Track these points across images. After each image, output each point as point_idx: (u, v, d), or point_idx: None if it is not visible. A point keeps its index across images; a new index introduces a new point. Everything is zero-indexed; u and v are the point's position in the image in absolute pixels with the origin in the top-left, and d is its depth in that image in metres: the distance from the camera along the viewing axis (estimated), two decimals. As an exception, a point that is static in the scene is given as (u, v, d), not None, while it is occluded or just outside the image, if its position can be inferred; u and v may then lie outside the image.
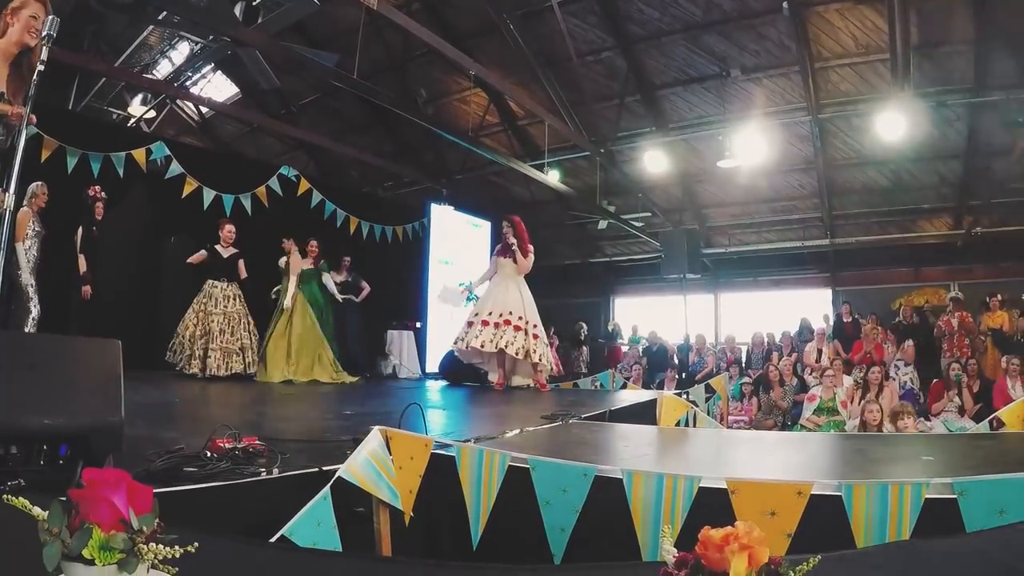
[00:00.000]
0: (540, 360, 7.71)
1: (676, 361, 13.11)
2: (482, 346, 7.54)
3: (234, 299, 8.35)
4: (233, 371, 8.11)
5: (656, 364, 13.27)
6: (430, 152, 14.22)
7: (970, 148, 11.11)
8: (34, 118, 3.10)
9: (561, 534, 2.49)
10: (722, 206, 14.37)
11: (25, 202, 6.84)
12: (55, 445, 2.17)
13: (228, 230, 8.46)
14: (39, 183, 7.06)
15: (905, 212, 12.85)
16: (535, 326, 7.77)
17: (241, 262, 8.41)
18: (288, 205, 10.55)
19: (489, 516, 2.69)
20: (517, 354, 7.57)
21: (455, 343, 7.98)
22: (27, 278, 6.81)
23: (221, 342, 8.11)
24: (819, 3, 9.68)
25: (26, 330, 6.65)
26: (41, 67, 3.01)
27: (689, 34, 10.78)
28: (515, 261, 7.87)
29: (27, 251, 6.85)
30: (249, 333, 8.41)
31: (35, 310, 6.90)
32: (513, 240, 7.93)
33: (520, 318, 7.66)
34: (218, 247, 8.35)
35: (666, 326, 14.48)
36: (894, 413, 6.79)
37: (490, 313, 7.68)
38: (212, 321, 8.09)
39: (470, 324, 7.79)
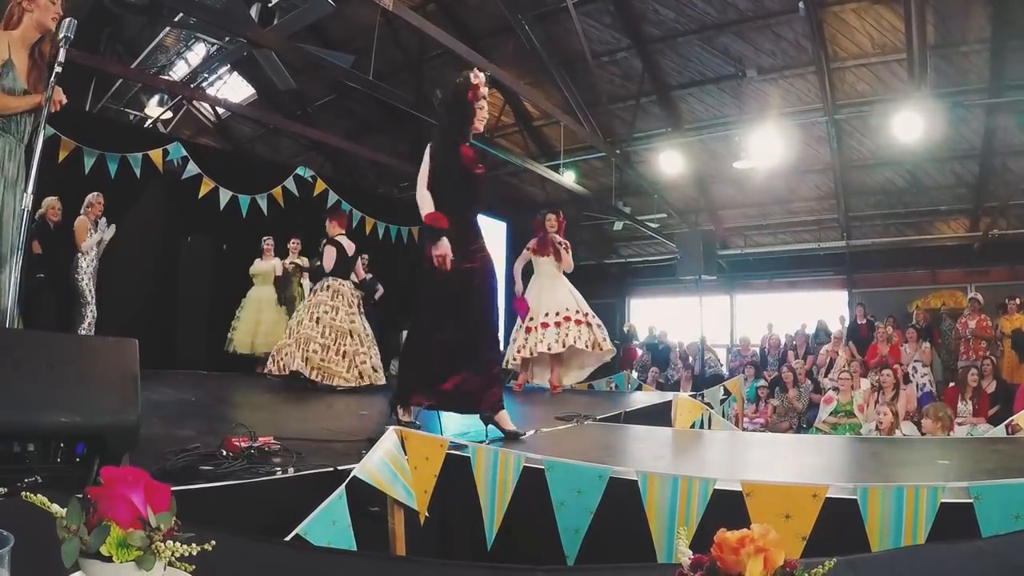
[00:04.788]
0: (606, 345, 7.60)
1: (680, 360, 13.11)
2: (549, 348, 7.36)
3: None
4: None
5: (660, 363, 13.40)
6: (445, 153, 14.20)
7: (987, 148, 11.03)
8: (63, 97, 3.13)
9: (575, 535, 2.49)
10: (738, 207, 14.33)
11: (83, 211, 7.28)
12: (72, 443, 2.19)
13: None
14: (95, 193, 7.39)
15: (922, 213, 12.78)
16: (593, 316, 7.65)
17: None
18: (304, 206, 10.58)
19: (503, 517, 2.69)
20: (588, 347, 7.43)
21: (518, 351, 7.53)
22: (87, 283, 7.18)
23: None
24: (835, 3, 9.61)
25: (81, 332, 6.96)
26: (59, 68, 3.02)
27: (705, 34, 10.73)
28: (559, 260, 7.66)
29: (85, 255, 7.13)
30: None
31: (91, 313, 7.22)
32: (562, 239, 7.74)
33: (579, 311, 7.55)
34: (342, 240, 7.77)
35: (682, 328, 14.46)
36: (924, 413, 6.75)
37: (557, 314, 7.47)
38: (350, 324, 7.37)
39: (528, 330, 7.53)
